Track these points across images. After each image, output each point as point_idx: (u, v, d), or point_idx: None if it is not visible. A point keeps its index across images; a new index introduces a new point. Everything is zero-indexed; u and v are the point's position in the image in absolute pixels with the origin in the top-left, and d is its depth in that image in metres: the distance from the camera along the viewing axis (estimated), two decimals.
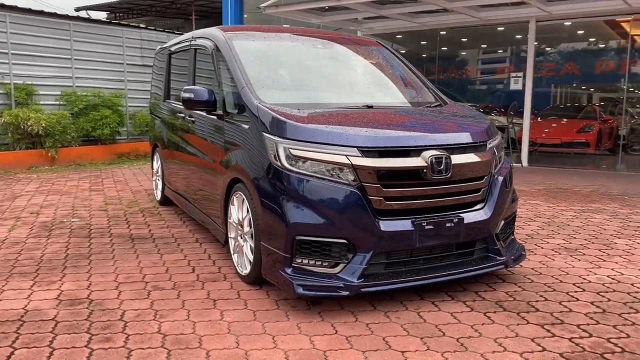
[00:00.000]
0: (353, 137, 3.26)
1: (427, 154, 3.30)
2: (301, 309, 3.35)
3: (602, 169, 11.64)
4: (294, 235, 3.22)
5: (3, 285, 3.76)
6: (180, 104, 5.37)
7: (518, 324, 3.13)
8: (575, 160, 12.27)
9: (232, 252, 4.06)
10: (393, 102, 4.29)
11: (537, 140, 12.80)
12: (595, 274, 4.04)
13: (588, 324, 3.13)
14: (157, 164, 6.61)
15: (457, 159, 3.41)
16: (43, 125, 9.92)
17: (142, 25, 13.83)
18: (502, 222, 3.71)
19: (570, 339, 2.94)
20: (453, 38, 13.99)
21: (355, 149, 3.22)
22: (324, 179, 3.22)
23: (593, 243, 4.90)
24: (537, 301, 3.48)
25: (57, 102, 11.17)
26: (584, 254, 4.55)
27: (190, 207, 5.19)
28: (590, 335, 2.99)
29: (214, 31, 4.62)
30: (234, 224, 3.98)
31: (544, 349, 2.83)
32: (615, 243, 4.91)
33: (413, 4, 10.26)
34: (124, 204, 6.63)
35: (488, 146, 3.67)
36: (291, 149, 3.29)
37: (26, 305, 3.41)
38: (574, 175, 9.74)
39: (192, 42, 5.14)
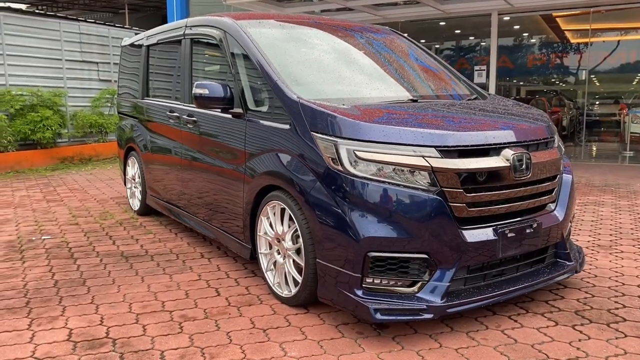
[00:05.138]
0: (429, 135, 2.83)
1: (508, 152, 2.93)
2: (371, 336, 2.90)
3: None
4: (365, 251, 2.76)
5: None
6: (171, 102, 4.79)
7: (617, 338, 2.84)
8: None
9: (264, 269, 3.53)
10: (433, 94, 3.90)
11: None
12: None
13: None
14: (133, 170, 5.89)
15: (535, 157, 3.07)
16: None
17: (80, 18, 12.66)
18: (570, 223, 3.42)
19: None
20: (411, 31, 13.84)
21: (433, 149, 2.80)
22: (398, 184, 2.78)
23: (621, 239, 4.76)
24: (616, 309, 3.21)
25: None
26: (622, 252, 4.37)
27: (189, 218, 4.58)
28: None
29: (222, 19, 4.04)
30: (267, 237, 3.46)
31: None
32: None
33: None
34: (96, 216, 5.86)
35: (555, 141, 3.37)
36: (357, 150, 2.82)
37: (34, 352, 2.75)
38: None
39: (187, 32, 4.53)
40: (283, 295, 3.33)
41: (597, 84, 13.79)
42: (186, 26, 4.57)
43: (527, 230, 3.03)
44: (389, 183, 2.78)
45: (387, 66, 4.06)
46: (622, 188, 7.40)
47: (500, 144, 2.95)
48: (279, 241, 3.36)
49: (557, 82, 14.58)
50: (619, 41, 12.60)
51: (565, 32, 13.36)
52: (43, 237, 5.00)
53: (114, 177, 8.90)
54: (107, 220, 5.68)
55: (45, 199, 6.93)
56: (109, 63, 12.54)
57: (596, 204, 6.27)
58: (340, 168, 2.85)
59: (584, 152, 12.93)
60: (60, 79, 11.50)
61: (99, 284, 3.75)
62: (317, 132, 2.99)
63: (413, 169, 2.78)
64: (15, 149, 10.09)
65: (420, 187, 2.78)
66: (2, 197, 7.08)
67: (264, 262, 3.54)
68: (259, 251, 3.57)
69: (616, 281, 3.68)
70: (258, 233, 3.54)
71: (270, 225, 3.41)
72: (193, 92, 3.69)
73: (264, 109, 3.47)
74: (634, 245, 4.54)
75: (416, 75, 4.15)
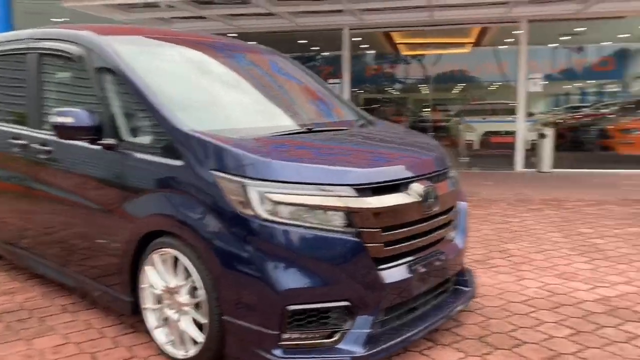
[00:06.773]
0: (345, 173, 2.65)
1: (419, 186, 2.86)
2: None
3: None
4: (284, 305, 2.49)
5: None
6: (13, 126, 4.05)
7: None
8: None
9: (150, 327, 3.07)
10: (325, 120, 3.74)
11: None
12: (528, 287, 4.09)
13: (580, 351, 3.07)
14: None
15: (440, 188, 3.05)
16: None
17: None
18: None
19: None
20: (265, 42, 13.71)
21: (349, 187, 2.62)
22: (315, 227, 2.55)
23: (491, 252, 5.05)
24: (513, 331, 3.32)
25: None
26: (497, 266, 4.61)
27: (42, 263, 3.88)
28: None
29: (82, 33, 3.45)
30: (154, 291, 3.01)
31: None
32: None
33: (240, 6, 9.65)
34: None
35: (451, 171, 3.40)
36: (269, 192, 2.53)
37: None
38: None
39: (33, 46, 3.82)
40: (179, 357, 2.91)
41: (438, 93, 15.12)
42: (31, 38, 3.86)
43: (436, 263, 3.00)
44: (305, 227, 2.54)
45: (275, 90, 3.83)
46: (473, 196, 7.98)
47: (409, 177, 2.88)
48: (170, 294, 2.93)
49: (400, 91, 15.75)
50: (440, 54, 13.97)
51: (403, 45, 14.46)
52: None
53: None
54: None
55: None
56: None
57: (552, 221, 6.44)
58: (250, 212, 2.54)
59: None
60: None
61: None
62: (219, 171, 2.65)
63: (329, 210, 2.57)
64: None
65: (337, 229, 2.58)
66: None
67: (150, 318, 3.07)
68: (143, 306, 3.09)
69: (502, 299, 3.85)
70: (141, 285, 3.06)
71: (159, 276, 2.97)
72: (54, 120, 3.10)
73: (146, 140, 3.01)
74: (503, 258, 4.83)
75: (305, 99, 3.98)
